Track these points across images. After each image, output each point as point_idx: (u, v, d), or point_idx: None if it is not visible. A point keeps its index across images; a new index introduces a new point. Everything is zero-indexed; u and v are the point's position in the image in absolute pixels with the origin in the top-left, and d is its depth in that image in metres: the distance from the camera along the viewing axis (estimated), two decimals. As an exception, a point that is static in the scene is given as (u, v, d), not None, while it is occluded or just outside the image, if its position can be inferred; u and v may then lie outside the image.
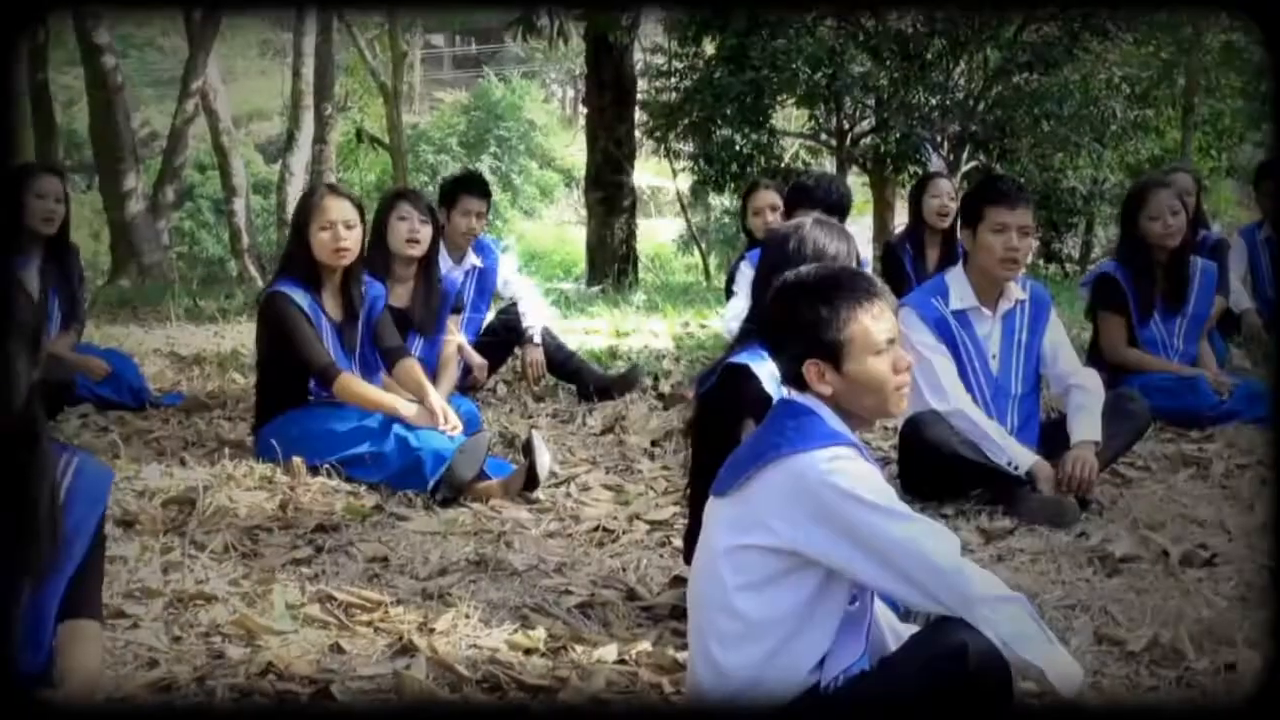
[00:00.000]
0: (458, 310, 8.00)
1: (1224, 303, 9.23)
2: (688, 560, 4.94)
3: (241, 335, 11.36)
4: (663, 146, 23.30)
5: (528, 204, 47.69)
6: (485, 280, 8.81)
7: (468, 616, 4.83)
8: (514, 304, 8.83)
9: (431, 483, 6.27)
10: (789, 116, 27.24)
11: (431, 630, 4.69)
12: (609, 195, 19.54)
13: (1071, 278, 20.18)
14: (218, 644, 4.58)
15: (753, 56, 20.05)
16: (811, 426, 3.57)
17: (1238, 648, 4.48)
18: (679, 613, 4.89)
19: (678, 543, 5.65)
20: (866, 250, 13.37)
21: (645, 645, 4.63)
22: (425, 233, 7.64)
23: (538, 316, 8.79)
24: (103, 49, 20.87)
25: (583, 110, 31.75)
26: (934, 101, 20.90)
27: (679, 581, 5.13)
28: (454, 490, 6.24)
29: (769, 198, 8.90)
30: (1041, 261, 23.25)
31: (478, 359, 8.39)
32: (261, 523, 5.86)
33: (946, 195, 9.61)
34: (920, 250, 9.63)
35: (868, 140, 21.84)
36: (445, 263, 8.38)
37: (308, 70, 27.74)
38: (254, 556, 5.47)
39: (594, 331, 11.50)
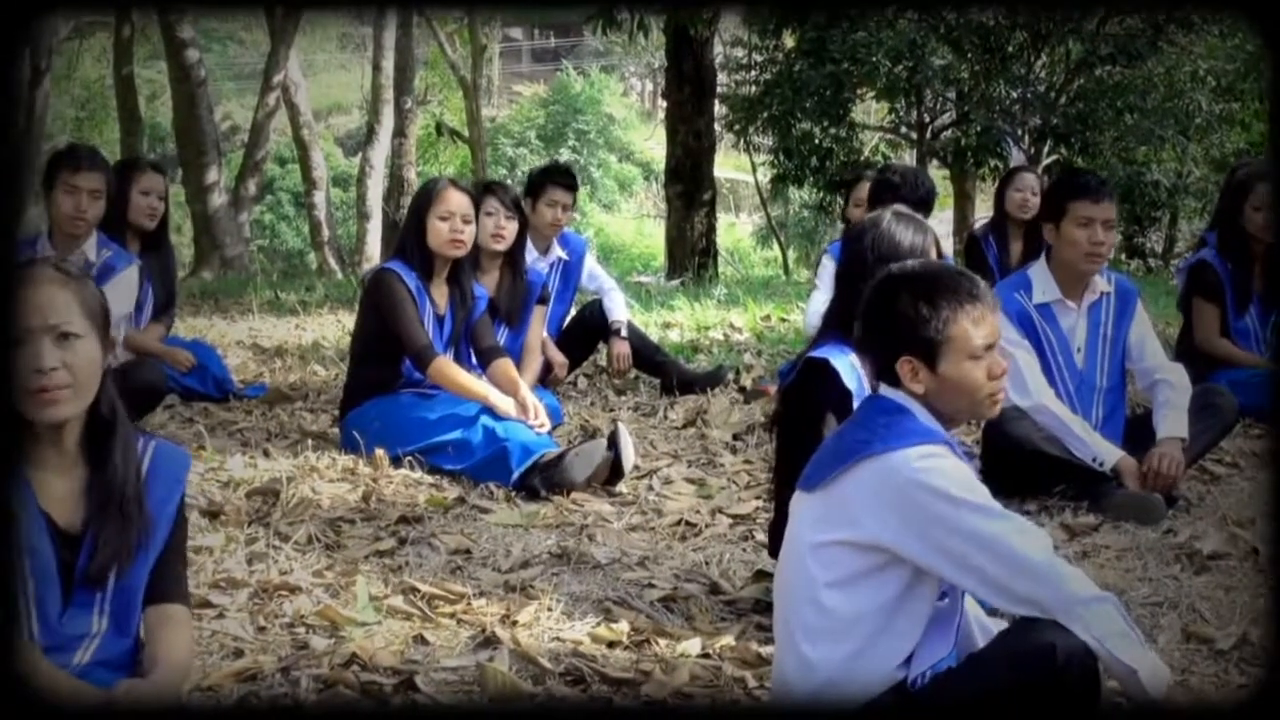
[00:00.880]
0: (543, 301, 7.98)
1: None
2: (772, 553, 4.94)
3: (323, 327, 11.44)
4: (742, 140, 23.25)
5: (606, 197, 47.69)
6: (570, 273, 8.81)
7: (550, 609, 4.82)
8: (598, 298, 8.83)
9: (516, 475, 6.27)
10: (868, 110, 27.15)
11: (514, 623, 4.69)
12: (689, 189, 19.48)
13: (1155, 272, 20.04)
14: (302, 634, 4.60)
15: (833, 50, 19.97)
16: (902, 424, 3.53)
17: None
18: (762, 607, 4.88)
19: (760, 537, 5.63)
20: (948, 244, 13.31)
21: (728, 639, 4.61)
22: (510, 227, 7.65)
23: (623, 310, 8.78)
24: (186, 43, 21.07)
25: (662, 104, 31.72)
26: (1015, 95, 20.77)
27: (762, 576, 5.12)
28: (552, 485, 6.24)
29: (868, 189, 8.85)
30: (1124, 256, 23.07)
31: (559, 356, 8.39)
32: (344, 514, 5.88)
33: (1030, 189, 9.54)
34: (1004, 243, 9.57)
35: (948, 134, 21.74)
36: (530, 254, 8.39)
37: (388, 64, 27.84)
38: (337, 548, 5.49)
39: (674, 325, 11.48)
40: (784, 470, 4.83)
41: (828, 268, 7.82)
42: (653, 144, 47.09)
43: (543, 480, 6.25)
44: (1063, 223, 6.33)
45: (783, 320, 11.70)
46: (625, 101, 54.58)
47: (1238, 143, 23.94)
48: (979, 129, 20.43)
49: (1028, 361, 6.25)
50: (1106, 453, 6.14)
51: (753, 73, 22.16)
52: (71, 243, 7.29)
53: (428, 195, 6.90)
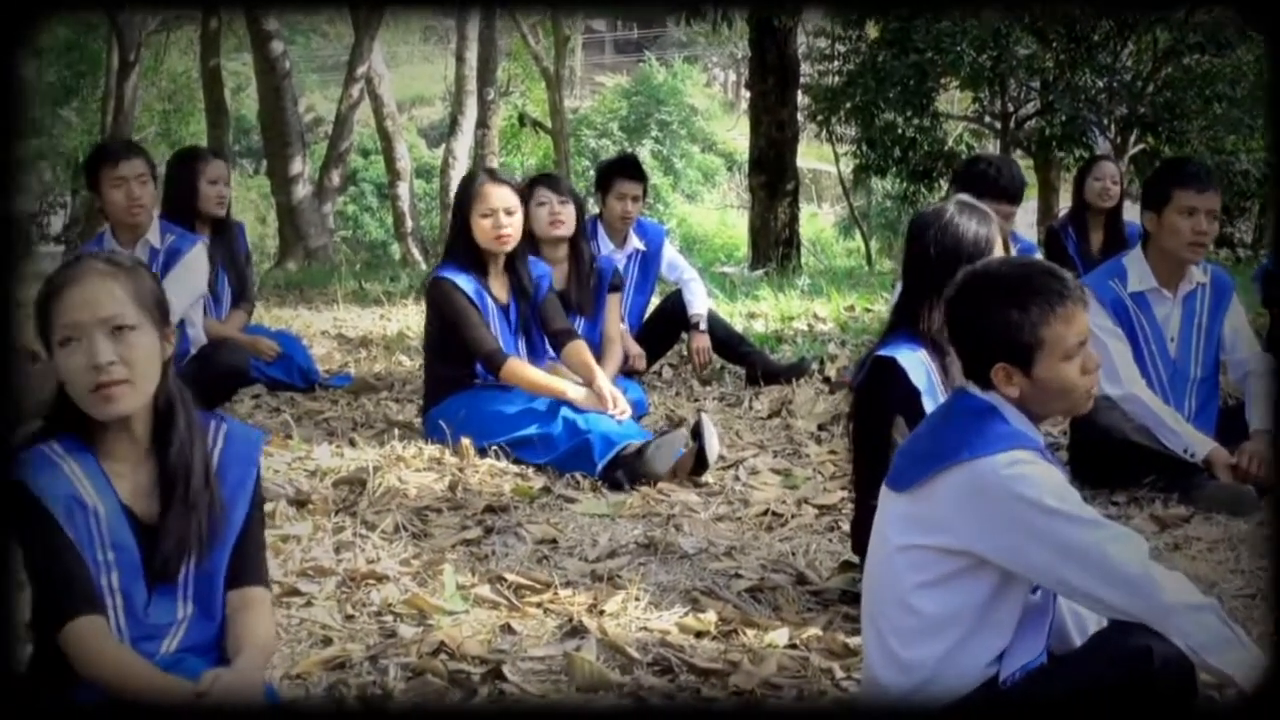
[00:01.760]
0: (615, 289, 7.96)
1: None
2: (855, 549, 4.92)
3: (407, 318, 11.47)
4: (825, 130, 23.16)
5: (689, 188, 47.64)
6: (649, 264, 8.80)
7: (637, 599, 4.82)
8: (679, 289, 8.80)
9: (600, 465, 6.27)
10: (951, 99, 26.99)
11: (601, 612, 4.69)
12: (772, 179, 19.42)
13: (1245, 263, 19.81)
14: (390, 623, 4.62)
15: (916, 39, 19.87)
16: (992, 428, 3.48)
17: None
18: (849, 598, 4.86)
19: (846, 527, 5.60)
20: (1031, 234, 13.20)
21: (816, 630, 4.60)
22: (568, 213, 7.64)
23: (702, 302, 8.76)
24: (271, 35, 21.20)
25: (745, 94, 31.65)
26: (1101, 83, 20.57)
27: (848, 566, 5.09)
28: (635, 476, 6.23)
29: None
30: (1213, 246, 22.79)
31: (635, 348, 8.37)
32: (431, 503, 5.89)
33: (1110, 178, 9.47)
34: (1083, 233, 9.50)
35: (1032, 123, 21.54)
36: (606, 246, 8.39)
37: (471, 55, 27.91)
38: (424, 537, 5.51)
39: (758, 315, 11.45)
40: (860, 469, 4.82)
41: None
42: (735, 134, 47.04)
43: (626, 472, 6.24)
44: (1165, 211, 6.27)
45: (867, 311, 11.65)
46: (708, 92, 54.53)
47: (1330, 131, 23.59)
48: (1064, 118, 20.24)
49: (1120, 350, 6.19)
50: (1198, 444, 6.08)
51: (836, 63, 22.05)
52: (134, 233, 7.36)
53: (468, 193, 6.88)
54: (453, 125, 29.00)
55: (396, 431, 7.01)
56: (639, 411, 6.92)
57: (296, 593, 4.82)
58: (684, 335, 8.89)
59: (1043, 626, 3.57)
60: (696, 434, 6.30)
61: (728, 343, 8.74)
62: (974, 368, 3.58)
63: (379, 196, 42.25)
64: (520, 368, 6.67)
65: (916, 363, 4.51)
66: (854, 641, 4.41)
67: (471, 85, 28.08)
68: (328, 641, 4.47)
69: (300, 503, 5.81)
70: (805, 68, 21.92)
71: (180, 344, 7.26)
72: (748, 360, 8.67)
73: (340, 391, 8.22)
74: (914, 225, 4.85)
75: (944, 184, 20.70)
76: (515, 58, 37.83)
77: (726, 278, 14.91)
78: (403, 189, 27.76)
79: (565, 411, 6.47)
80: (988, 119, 22.32)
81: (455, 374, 6.85)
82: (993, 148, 22.98)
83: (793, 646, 4.48)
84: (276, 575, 4.85)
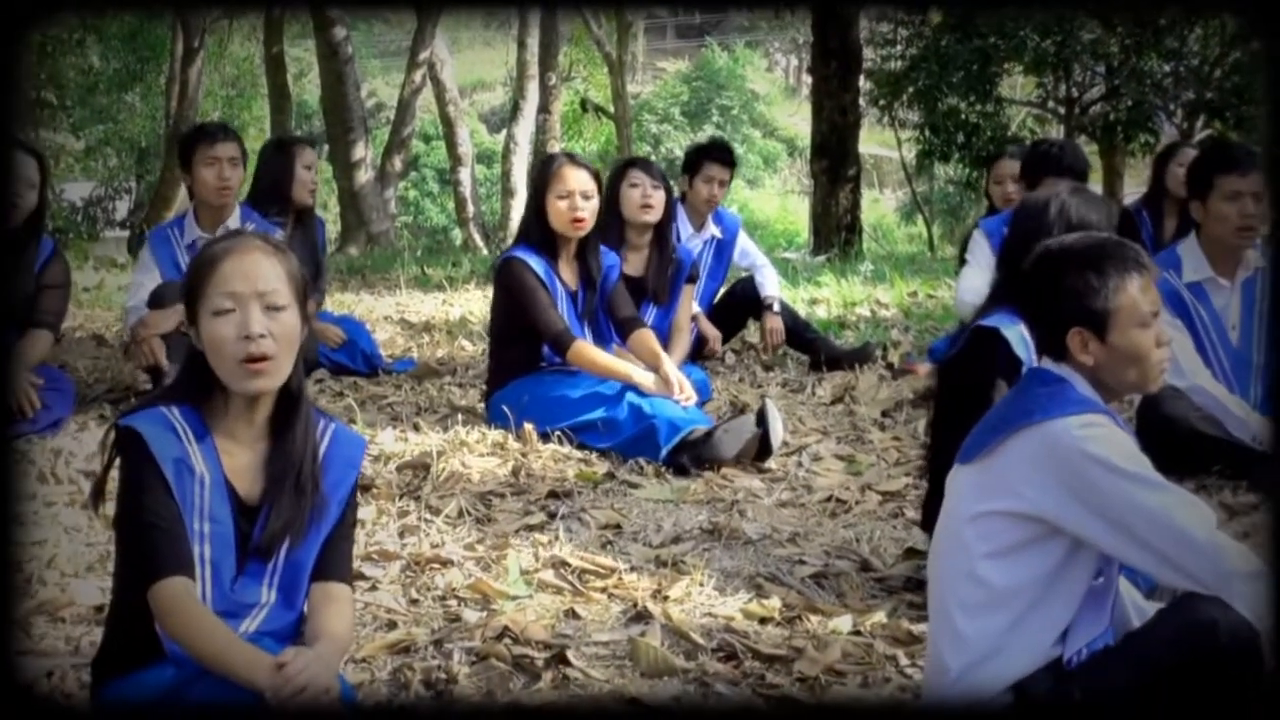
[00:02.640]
0: (693, 279, 7.96)
1: None
2: (924, 526, 4.92)
3: (470, 303, 11.50)
4: (887, 115, 23.06)
5: (751, 173, 47.59)
6: (724, 251, 8.79)
7: (702, 584, 4.82)
8: (749, 274, 8.80)
9: (664, 451, 6.26)
10: (1015, 85, 26.84)
11: (666, 598, 4.69)
12: (834, 164, 19.37)
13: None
14: (454, 607, 4.64)
15: (980, 24, 19.75)
16: (1064, 393, 3.50)
17: None
18: (913, 585, 4.85)
19: (910, 514, 5.60)
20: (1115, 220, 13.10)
21: (880, 617, 4.59)
22: (658, 198, 7.62)
23: (775, 286, 8.75)
24: (333, 20, 21.22)
25: (806, 79, 31.57)
26: (1167, 68, 20.41)
27: (912, 553, 5.09)
28: (699, 461, 6.23)
29: (1012, 167, 8.72)
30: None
31: (712, 330, 8.38)
32: (494, 488, 5.90)
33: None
34: (1158, 220, 9.39)
35: (1097, 108, 21.37)
36: (685, 229, 8.39)
37: (533, 41, 27.94)
38: (488, 521, 5.52)
39: (821, 301, 11.43)
40: (943, 443, 4.78)
41: (980, 244, 7.72)
42: (797, 119, 46.95)
43: (691, 457, 6.23)
44: (1210, 198, 6.22)
45: (930, 297, 11.62)
46: (769, 77, 54.46)
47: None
48: (1129, 103, 20.08)
49: (1181, 342, 6.12)
50: (1266, 430, 6.02)
51: (898, 47, 21.94)
52: (217, 215, 7.42)
53: (545, 175, 6.88)
54: (514, 110, 29.05)
55: (460, 416, 7.04)
56: (702, 396, 6.92)
57: (362, 576, 4.83)
58: (751, 322, 8.88)
59: (1105, 606, 3.57)
60: (761, 419, 6.28)
61: (792, 328, 8.72)
62: (1049, 337, 3.59)
63: (440, 182, 42.36)
64: (587, 350, 6.66)
65: (1018, 336, 4.50)
66: (919, 629, 4.41)
67: (534, 70, 28.11)
68: (392, 625, 4.49)
69: (365, 487, 5.82)
70: (868, 52, 21.81)
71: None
72: (811, 346, 8.66)
73: (403, 376, 8.24)
74: (1026, 206, 4.84)
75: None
76: (577, 42, 37.77)
77: (789, 263, 14.89)
78: (464, 174, 27.83)
79: (630, 396, 6.46)
80: (1051, 104, 22.17)
81: (520, 358, 6.85)
82: (1056, 133, 22.82)
83: (857, 633, 4.48)
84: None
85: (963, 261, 8.43)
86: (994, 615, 3.47)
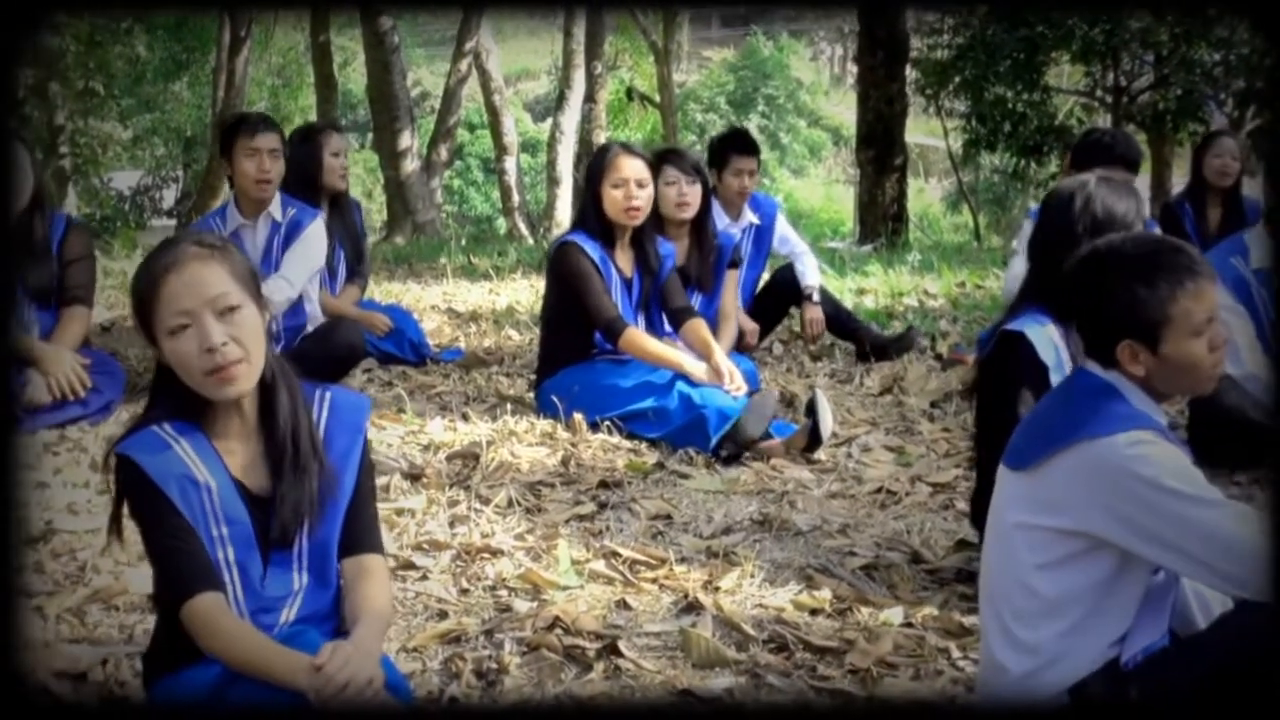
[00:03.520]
0: (734, 265, 7.95)
1: None
2: (974, 523, 4.89)
3: (516, 292, 11.51)
4: (934, 105, 22.98)
5: (795, 163, 47.55)
6: (763, 238, 8.77)
7: (752, 576, 4.81)
8: (790, 262, 8.78)
9: (714, 441, 6.25)
10: (1062, 74, 26.71)
11: (716, 588, 4.69)
12: (880, 154, 19.34)
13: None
14: (504, 597, 4.64)
15: (1027, 12, 19.65)
16: (1112, 407, 3.42)
17: None
18: (964, 576, 4.84)
19: (961, 505, 5.58)
20: (1144, 210, 13.04)
21: (931, 609, 4.58)
22: (694, 193, 7.62)
23: (815, 275, 8.72)
24: (380, 9, 21.23)
25: (851, 68, 31.50)
26: (1217, 57, 20.27)
27: (963, 545, 5.07)
28: (739, 448, 6.22)
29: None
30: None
31: (749, 323, 8.36)
32: (544, 478, 5.91)
33: (1229, 154, 9.31)
34: (1201, 211, 9.35)
35: (1146, 97, 21.27)
36: (722, 221, 8.37)
37: (579, 29, 27.91)
38: (538, 511, 5.52)
39: (868, 291, 11.41)
40: (984, 442, 4.76)
41: (1029, 232, 7.70)
42: (842, 109, 46.87)
43: (729, 444, 6.23)
44: None
45: (978, 287, 11.58)
46: (814, 66, 54.35)
47: None
48: (1178, 92, 19.97)
49: (1242, 329, 6.08)
50: None
51: (945, 36, 21.86)
52: (258, 204, 7.44)
53: (600, 164, 6.90)
54: (560, 100, 29.01)
55: (508, 406, 7.04)
56: (751, 386, 6.88)
57: (412, 566, 4.85)
58: (794, 311, 8.86)
59: (1165, 608, 3.53)
60: (810, 410, 6.27)
61: (837, 318, 8.71)
62: (1097, 345, 3.52)
63: (484, 171, 42.43)
64: (639, 337, 6.66)
65: (1045, 338, 4.45)
66: (970, 621, 4.39)
67: (579, 59, 28.07)
68: (443, 615, 4.50)
69: (414, 476, 5.85)
70: (914, 41, 21.75)
71: (298, 317, 7.35)
72: (856, 335, 8.64)
73: (451, 365, 8.26)
74: (1053, 199, 4.78)
75: (1054, 159, 20.51)
76: (623, 31, 37.77)
77: (835, 253, 14.86)
78: (509, 164, 27.82)
79: (681, 386, 6.45)
80: (1099, 93, 22.06)
81: (572, 344, 6.86)
82: (1104, 122, 22.71)
83: (908, 625, 4.47)
84: (392, 549, 4.89)
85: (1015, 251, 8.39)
86: (1051, 623, 3.44)
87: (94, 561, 4.86)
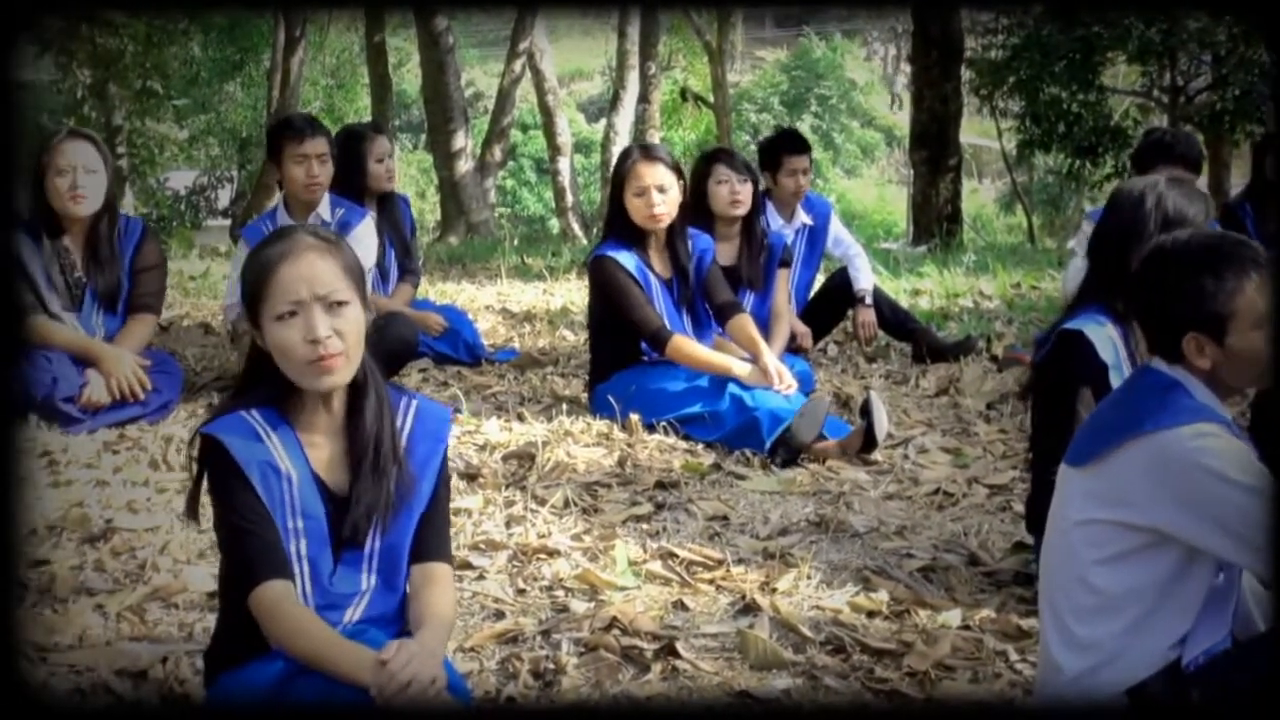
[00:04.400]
0: (785, 264, 7.94)
1: None
2: (1030, 528, 4.86)
3: (570, 292, 11.52)
4: (988, 105, 22.89)
5: (848, 163, 47.48)
6: (817, 238, 8.74)
7: (809, 577, 4.80)
8: (844, 266, 8.76)
9: (769, 443, 6.24)
10: (1118, 74, 26.58)
11: (773, 590, 4.68)
12: (934, 154, 19.27)
13: None
14: (561, 597, 4.65)
15: (1083, 12, 19.56)
16: (1177, 401, 3.42)
17: None
18: (1022, 579, 4.83)
19: (1018, 507, 5.56)
20: (1212, 212, 12.95)
21: (989, 611, 4.57)
22: (746, 191, 7.60)
23: (868, 277, 8.70)
24: (435, 10, 21.26)
25: (905, 68, 31.41)
26: (1276, 56, 20.14)
27: (1021, 547, 5.06)
28: (792, 452, 6.21)
29: None
30: None
31: (800, 326, 8.33)
32: (600, 478, 5.91)
33: (1293, 154, 9.23)
34: (1261, 212, 9.27)
35: (1203, 97, 21.15)
36: (775, 221, 8.36)
37: (633, 30, 27.90)
38: (594, 512, 5.53)
39: (923, 292, 11.37)
40: (1041, 444, 4.74)
41: (1088, 234, 7.65)
42: (895, 109, 46.75)
43: (782, 448, 6.22)
44: None
45: (1034, 288, 11.54)
46: (868, 66, 54.26)
47: None
48: (1237, 93, 19.84)
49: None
50: None
51: (1000, 36, 21.78)
52: (308, 207, 7.49)
53: (621, 172, 6.87)
54: (614, 100, 29.00)
55: (564, 406, 7.05)
56: (806, 387, 6.88)
57: (469, 566, 4.86)
58: (849, 311, 8.84)
59: (1227, 609, 3.51)
60: (865, 411, 6.26)
61: (893, 319, 8.68)
62: (1162, 340, 3.52)
63: (537, 171, 42.50)
64: (686, 345, 6.66)
65: (1104, 337, 4.44)
66: (1028, 624, 4.38)
67: (633, 60, 28.05)
68: (500, 615, 4.51)
69: (471, 476, 5.86)
70: (968, 41, 21.68)
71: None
72: (913, 337, 8.61)
73: (506, 366, 8.26)
74: (1120, 199, 4.77)
75: (1109, 160, 20.41)
76: (676, 32, 37.77)
77: (889, 254, 14.82)
78: (563, 164, 27.84)
79: (732, 388, 6.45)
80: (1156, 93, 21.95)
81: (620, 351, 6.87)
82: (1160, 123, 22.60)
83: (966, 628, 4.46)
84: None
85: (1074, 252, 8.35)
86: (1109, 620, 3.42)
87: (154, 559, 4.89)
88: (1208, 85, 21.00)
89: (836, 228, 8.92)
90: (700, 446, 6.41)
